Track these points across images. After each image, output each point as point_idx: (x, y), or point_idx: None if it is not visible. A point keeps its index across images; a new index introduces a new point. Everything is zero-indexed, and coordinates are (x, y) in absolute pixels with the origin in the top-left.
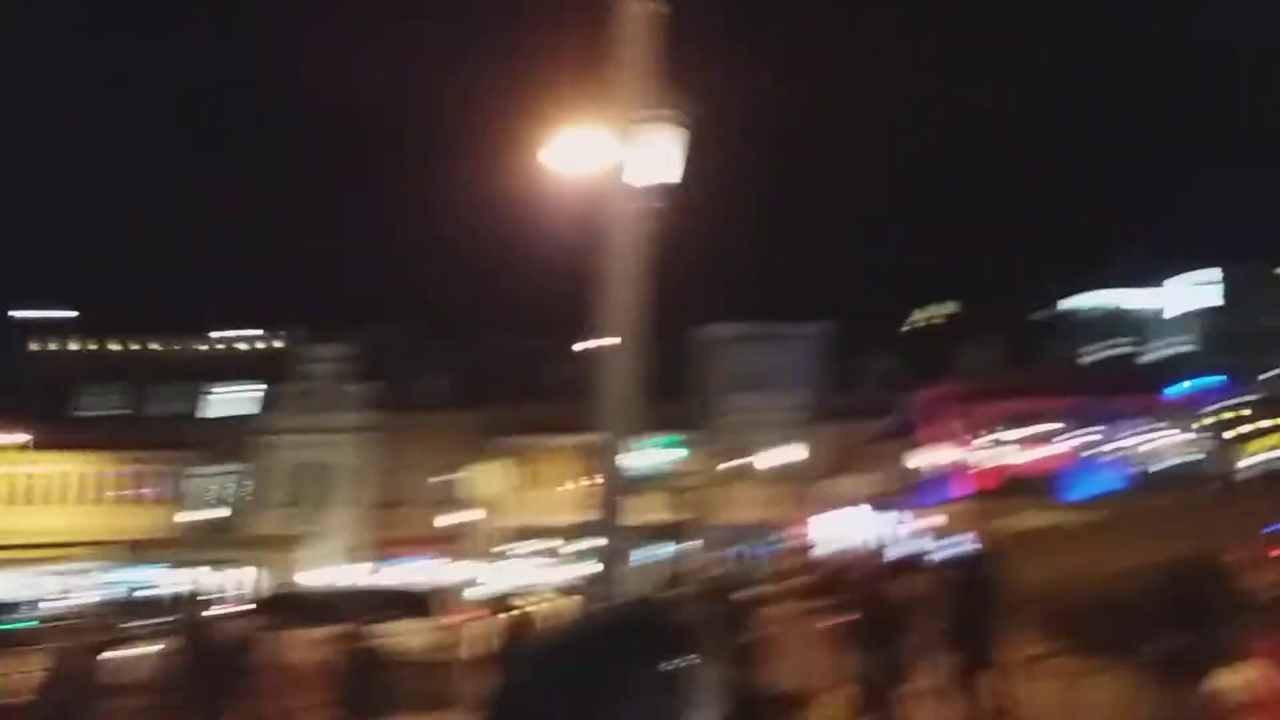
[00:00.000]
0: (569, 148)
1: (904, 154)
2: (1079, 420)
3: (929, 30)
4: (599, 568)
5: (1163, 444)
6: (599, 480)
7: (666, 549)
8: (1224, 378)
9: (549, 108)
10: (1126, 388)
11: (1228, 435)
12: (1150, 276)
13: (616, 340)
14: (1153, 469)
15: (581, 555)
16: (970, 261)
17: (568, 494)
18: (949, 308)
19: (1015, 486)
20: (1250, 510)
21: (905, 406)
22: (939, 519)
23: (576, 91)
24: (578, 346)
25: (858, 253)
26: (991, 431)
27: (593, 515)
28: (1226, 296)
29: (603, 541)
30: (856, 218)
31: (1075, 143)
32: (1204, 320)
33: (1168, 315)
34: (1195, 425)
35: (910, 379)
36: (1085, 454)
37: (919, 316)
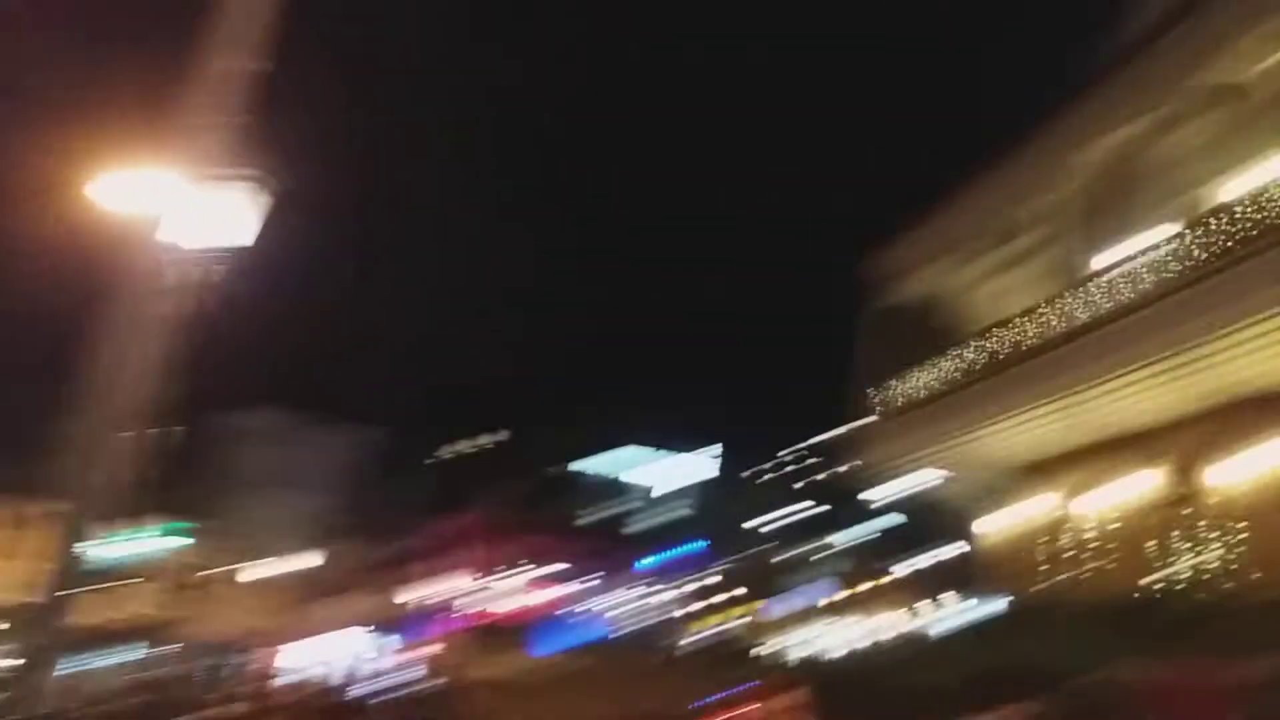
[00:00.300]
0: (115, 190)
1: (488, 281)
2: (565, 575)
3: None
4: (20, 664)
5: (630, 608)
6: (50, 563)
7: (134, 652)
8: (695, 554)
9: (101, 146)
10: (611, 550)
11: (684, 609)
12: (653, 452)
13: (110, 403)
14: (615, 631)
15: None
16: (509, 407)
17: (12, 570)
18: (480, 446)
19: (494, 631)
20: (686, 681)
21: (416, 534)
22: (420, 653)
23: (138, 134)
24: (79, 403)
25: (416, 369)
26: (488, 574)
27: (34, 601)
28: (713, 484)
29: (35, 634)
30: (424, 333)
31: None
32: (689, 501)
33: (660, 490)
34: (659, 595)
35: (432, 507)
36: (563, 608)
37: (455, 447)
